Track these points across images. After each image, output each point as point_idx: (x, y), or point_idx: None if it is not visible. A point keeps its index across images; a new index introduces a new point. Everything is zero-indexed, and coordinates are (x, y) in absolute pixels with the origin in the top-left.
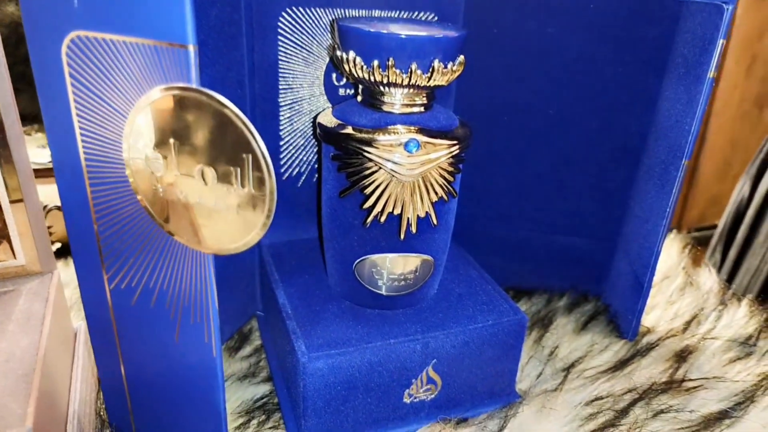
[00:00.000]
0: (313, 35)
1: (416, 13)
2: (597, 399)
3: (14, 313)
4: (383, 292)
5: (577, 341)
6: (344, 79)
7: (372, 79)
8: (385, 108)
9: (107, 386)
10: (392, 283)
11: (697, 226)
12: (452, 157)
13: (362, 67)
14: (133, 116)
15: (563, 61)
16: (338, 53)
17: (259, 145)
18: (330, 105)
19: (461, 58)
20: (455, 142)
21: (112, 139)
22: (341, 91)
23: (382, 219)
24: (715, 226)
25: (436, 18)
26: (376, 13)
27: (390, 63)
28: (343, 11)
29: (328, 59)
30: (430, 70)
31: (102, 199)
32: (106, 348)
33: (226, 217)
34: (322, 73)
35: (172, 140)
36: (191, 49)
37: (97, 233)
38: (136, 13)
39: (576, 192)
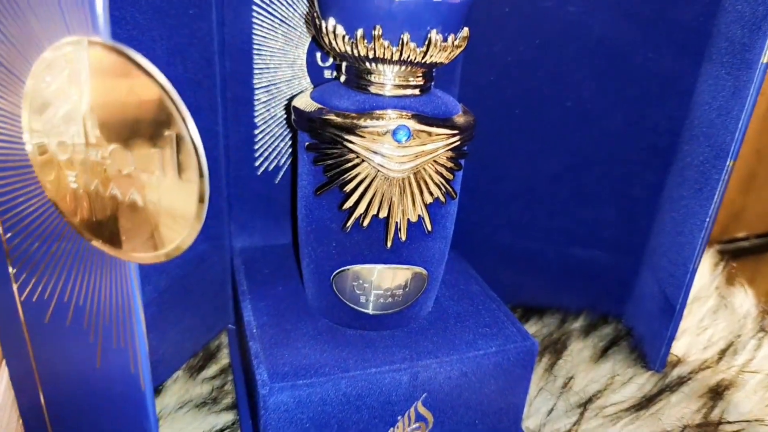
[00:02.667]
0: (295, 7)
1: None
2: None
3: None
4: (367, 310)
5: (595, 371)
6: (330, 59)
7: (356, 53)
8: (373, 89)
9: (27, 418)
10: (377, 300)
11: (719, 239)
12: (452, 149)
13: (344, 38)
14: (30, 81)
15: (584, 45)
16: (317, 22)
17: (185, 117)
18: (312, 87)
19: (465, 31)
20: (456, 131)
21: (7, 109)
22: (326, 73)
23: (365, 223)
24: (737, 240)
25: None
26: None
27: (377, 33)
28: None
29: (311, 37)
30: (426, 42)
31: (5, 189)
32: (21, 373)
33: (147, 215)
34: (305, 51)
35: (77, 114)
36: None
37: (3, 232)
38: None
39: (596, 198)
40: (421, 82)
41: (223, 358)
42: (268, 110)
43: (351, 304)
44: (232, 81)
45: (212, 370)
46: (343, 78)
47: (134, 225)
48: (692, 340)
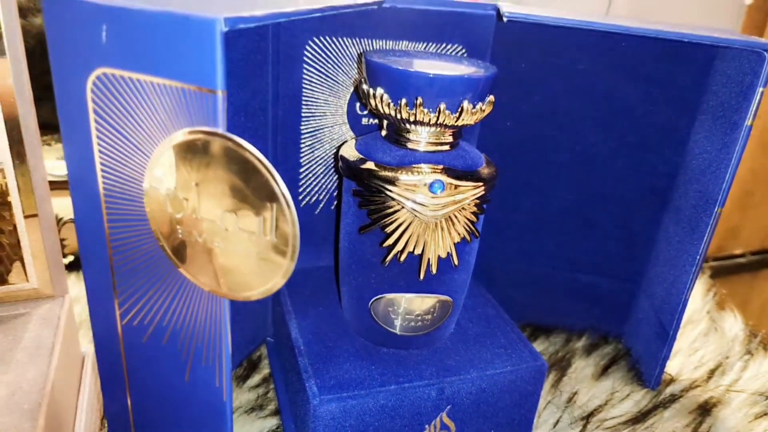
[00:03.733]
0: (339, 64)
1: (444, 45)
2: None
3: (23, 340)
4: (398, 331)
5: (596, 387)
6: (367, 109)
7: (398, 116)
8: (410, 145)
9: (113, 420)
10: (408, 323)
11: (715, 256)
12: (477, 198)
13: (389, 104)
14: (156, 156)
15: (592, 98)
16: (364, 87)
17: (284, 194)
18: (351, 133)
19: (491, 97)
20: (481, 183)
21: (132, 177)
22: (364, 120)
23: (402, 258)
24: (733, 257)
25: (464, 51)
26: (404, 44)
27: (418, 102)
28: (370, 42)
29: (352, 88)
30: (459, 110)
31: (119, 235)
32: (113, 382)
33: (246, 263)
34: (346, 102)
35: (194, 183)
36: (220, 94)
37: (113, 269)
38: (165, 54)
39: (599, 230)
40: (451, 140)
41: (264, 368)
42: (312, 152)
43: (386, 326)
44: (282, 127)
45: (256, 379)
46: (383, 132)
47: (230, 272)
48: (684, 360)
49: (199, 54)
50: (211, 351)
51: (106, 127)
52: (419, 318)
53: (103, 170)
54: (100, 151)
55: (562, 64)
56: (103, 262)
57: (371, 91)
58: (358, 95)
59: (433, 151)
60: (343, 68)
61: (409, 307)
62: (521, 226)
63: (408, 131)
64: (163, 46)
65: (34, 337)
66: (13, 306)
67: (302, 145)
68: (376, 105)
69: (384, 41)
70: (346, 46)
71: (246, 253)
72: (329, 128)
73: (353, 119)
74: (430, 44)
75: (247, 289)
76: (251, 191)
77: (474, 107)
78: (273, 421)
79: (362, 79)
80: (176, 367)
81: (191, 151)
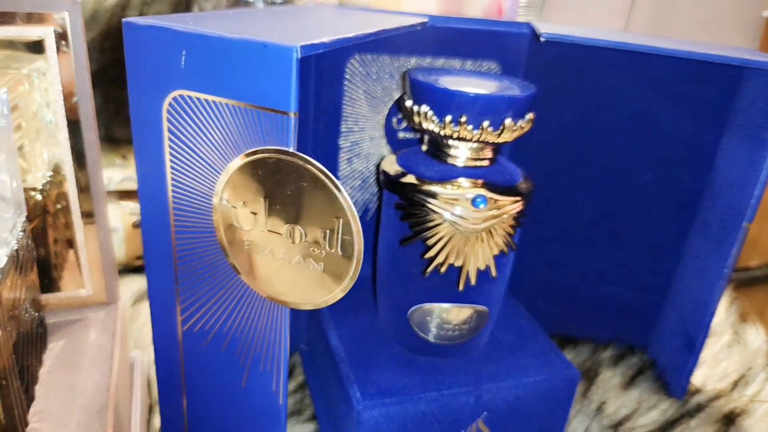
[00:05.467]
0: (379, 80)
1: (480, 62)
2: None
3: (84, 345)
4: (436, 340)
5: (624, 397)
6: (404, 123)
7: (442, 133)
8: (450, 160)
9: (167, 421)
10: (446, 332)
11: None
12: (515, 212)
13: (434, 121)
14: (227, 172)
15: (621, 114)
16: (408, 104)
17: (351, 210)
18: (388, 147)
19: (530, 115)
20: (519, 198)
21: (202, 191)
22: (400, 135)
23: (443, 270)
24: (750, 269)
25: (499, 68)
26: (441, 61)
27: (463, 120)
28: (408, 59)
29: (390, 104)
30: (501, 127)
31: (185, 246)
32: (170, 385)
33: (309, 275)
34: (384, 117)
35: (263, 199)
36: (292, 116)
37: (177, 277)
38: (241, 78)
39: (627, 243)
40: (491, 156)
41: (299, 375)
42: (350, 166)
43: (423, 334)
44: (322, 140)
45: (292, 385)
46: (424, 147)
47: (294, 282)
48: (709, 371)
49: (275, 79)
50: (269, 357)
51: (179, 144)
52: (456, 327)
53: (173, 185)
54: (172, 167)
55: (593, 81)
56: (168, 272)
57: (416, 108)
58: (400, 110)
59: (473, 167)
60: (382, 84)
61: (447, 316)
62: (550, 239)
63: (449, 147)
64: (239, 71)
65: (94, 342)
66: (69, 312)
67: (340, 159)
68: (420, 121)
69: (422, 58)
70: (386, 63)
71: (310, 265)
72: (367, 142)
73: (390, 133)
74: (467, 61)
75: (309, 299)
76: (318, 206)
77: (515, 124)
78: (311, 426)
79: (405, 96)
80: (233, 371)
81: (262, 168)
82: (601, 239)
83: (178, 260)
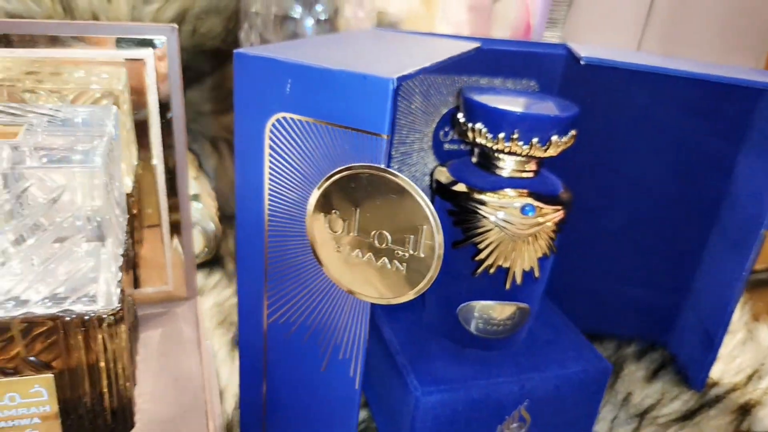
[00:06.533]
0: (429, 97)
1: (519, 80)
2: None
3: (173, 335)
4: (481, 334)
5: (648, 389)
6: (450, 135)
7: (495, 148)
8: (498, 171)
9: (246, 406)
10: (491, 327)
11: None
12: (558, 219)
13: (487, 137)
14: (322, 184)
15: (646, 129)
16: (461, 120)
17: (435, 219)
18: (434, 157)
19: (573, 132)
20: (562, 207)
21: (296, 200)
22: (446, 146)
23: (492, 271)
24: (755, 272)
25: (537, 86)
26: (485, 80)
27: (515, 136)
28: (457, 77)
29: (438, 118)
30: (548, 143)
31: (276, 248)
32: (252, 373)
33: (391, 275)
34: (432, 130)
35: (354, 207)
36: (385, 138)
37: (266, 275)
38: (340, 104)
39: (649, 248)
40: (535, 168)
41: None
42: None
43: (470, 329)
44: None
45: None
46: (474, 159)
47: (376, 281)
48: (725, 366)
49: (372, 105)
50: (348, 346)
51: (279, 159)
52: (501, 323)
53: (270, 194)
54: (270, 179)
55: (621, 99)
56: (258, 271)
57: (470, 124)
58: (453, 125)
59: (519, 177)
60: (432, 101)
61: (493, 313)
62: (577, 244)
63: (498, 159)
64: (339, 97)
65: (180, 332)
66: (152, 306)
67: (392, 168)
68: (473, 137)
69: (470, 77)
70: (437, 82)
71: (394, 265)
72: (416, 153)
73: (436, 145)
74: (508, 80)
75: (388, 296)
76: (405, 215)
77: (560, 141)
78: (363, 414)
79: (459, 112)
80: (313, 359)
81: (354, 182)
82: (626, 244)
83: (268, 260)
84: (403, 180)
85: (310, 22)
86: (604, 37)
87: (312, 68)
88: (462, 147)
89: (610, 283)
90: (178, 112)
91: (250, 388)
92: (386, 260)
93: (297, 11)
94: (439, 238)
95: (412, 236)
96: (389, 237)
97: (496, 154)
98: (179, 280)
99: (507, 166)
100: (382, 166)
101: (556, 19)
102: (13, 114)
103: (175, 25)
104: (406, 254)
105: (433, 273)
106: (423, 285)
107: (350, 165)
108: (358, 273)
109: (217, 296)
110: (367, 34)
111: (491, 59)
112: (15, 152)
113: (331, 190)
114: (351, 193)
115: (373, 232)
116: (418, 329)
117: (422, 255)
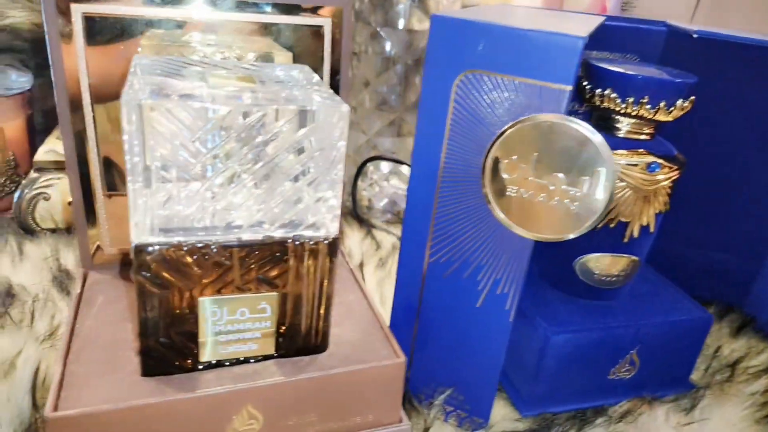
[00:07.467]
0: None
1: (624, 54)
2: (766, 391)
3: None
4: (595, 285)
5: (735, 343)
6: None
7: (624, 112)
8: (618, 133)
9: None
10: (605, 279)
11: None
12: (674, 178)
13: (616, 101)
14: (503, 133)
15: (737, 101)
16: (587, 86)
17: (611, 163)
18: None
19: (692, 98)
20: (679, 166)
21: (475, 148)
22: None
23: (612, 225)
24: None
25: (638, 59)
26: (594, 53)
27: (645, 101)
28: None
29: None
30: (672, 107)
31: (447, 193)
32: (406, 310)
33: (562, 214)
34: None
35: (534, 153)
36: (569, 89)
37: (434, 218)
38: (530, 61)
39: (730, 215)
40: (653, 131)
41: None
42: None
43: (587, 281)
44: None
45: None
46: (593, 123)
47: (547, 220)
48: None
49: (560, 62)
50: (507, 282)
51: (462, 112)
52: (614, 275)
53: (449, 144)
54: (451, 129)
55: (718, 72)
56: (426, 215)
57: (598, 90)
58: (577, 92)
59: (636, 139)
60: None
61: (608, 265)
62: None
63: (618, 122)
64: (530, 55)
65: (339, 274)
66: None
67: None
68: (599, 102)
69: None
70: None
71: (565, 206)
72: None
73: None
74: (614, 53)
75: (553, 233)
76: (582, 160)
77: (684, 105)
78: None
79: (584, 80)
80: (470, 295)
81: (536, 130)
82: (709, 210)
83: (438, 204)
84: (586, 127)
85: (403, 3)
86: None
87: (507, 29)
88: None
89: (690, 247)
90: (345, 76)
91: (399, 328)
92: (559, 200)
93: None
94: (612, 182)
95: (587, 178)
96: (564, 179)
97: (615, 117)
98: None
99: (625, 128)
100: (564, 115)
101: (630, 2)
102: (241, 68)
103: None
104: (579, 193)
105: (603, 211)
106: (592, 222)
107: (533, 115)
108: (529, 213)
109: None
110: (504, 8)
111: (598, 33)
112: (254, 95)
113: (513, 137)
114: (531, 140)
115: (548, 175)
116: (534, 282)
117: (596, 195)
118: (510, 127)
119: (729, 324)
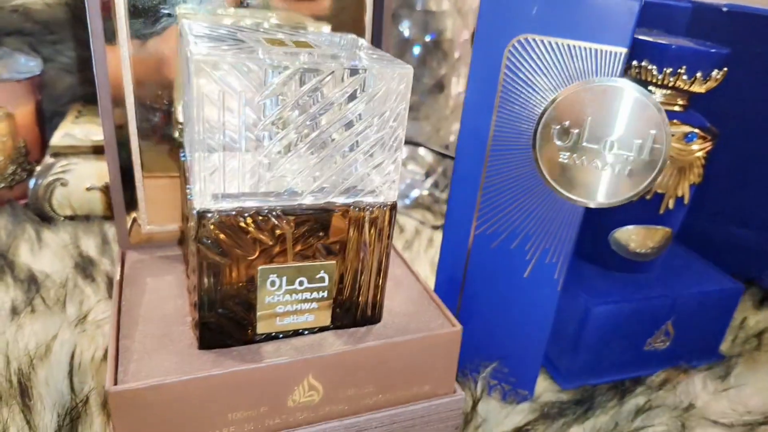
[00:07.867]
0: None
1: (649, 29)
2: None
3: None
4: (630, 257)
5: (759, 315)
6: None
7: (659, 82)
8: None
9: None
10: (640, 251)
11: None
12: (708, 150)
13: (653, 73)
14: (556, 99)
15: (764, 74)
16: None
17: (667, 126)
18: None
19: (725, 69)
20: (713, 137)
21: (527, 115)
22: None
23: (648, 197)
24: None
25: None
26: None
27: (682, 71)
28: None
29: None
30: (708, 78)
31: (497, 162)
32: (450, 282)
33: (615, 178)
34: None
35: (586, 118)
36: (625, 52)
37: (482, 188)
38: (584, 23)
39: (752, 189)
40: (686, 103)
41: None
42: None
43: (622, 253)
44: None
45: None
46: None
47: (598, 185)
48: None
49: (616, 23)
50: (557, 250)
51: (513, 78)
52: (648, 247)
53: (500, 111)
54: (501, 96)
55: (744, 44)
56: (474, 184)
57: (634, 62)
58: None
59: (670, 110)
60: None
61: (643, 237)
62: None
63: (652, 93)
64: (584, 18)
65: None
66: None
67: None
68: (637, 74)
69: None
70: None
71: (617, 170)
72: None
73: None
74: (640, 28)
75: (606, 197)
76: (636, 122)
77: (717, 77)
78: None
79: None
80: (518, 265)
81: (590, 94)
82: (728, 185)
83: (486, 173)
84: (640, 90)
85: None
86: None
87: None
88: None
89: (709, 222)
90: (387, 46)
91: (443, 301)
92: (611, 165)
93: None
94: (667, 144)
95: (639, 141)
96: (616, 144)
97: (649, 89)
98: None
99: (658, 100)
100: (621, 78)
101: None
102: (294, 34)
103: None
104: (632, 157)
105: (656, 173)
106: (645, 185)
107: (589, 79)
108: (581, 179)
109: None
110: None
111: None
112: (311, 57)
113: (566, 102)
114: (584, 105)
115: (601, 140)
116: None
117: (648, 158)
118: (564, 93)
119: (750, 297)
